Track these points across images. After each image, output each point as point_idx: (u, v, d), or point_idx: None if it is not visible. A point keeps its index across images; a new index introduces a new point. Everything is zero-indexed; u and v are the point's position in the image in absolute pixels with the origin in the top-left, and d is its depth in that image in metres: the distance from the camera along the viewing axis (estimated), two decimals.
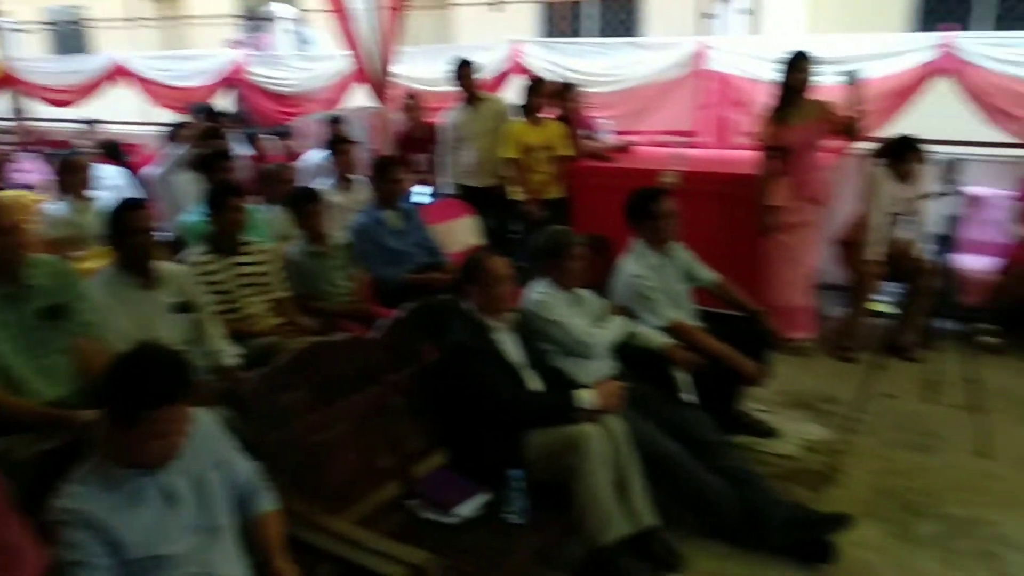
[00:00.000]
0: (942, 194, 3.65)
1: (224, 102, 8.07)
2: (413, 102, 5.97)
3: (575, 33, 9.14)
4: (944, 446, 3.47)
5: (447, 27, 10.22)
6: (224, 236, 3.32)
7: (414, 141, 5.87)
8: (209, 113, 6.34)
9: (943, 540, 2.82)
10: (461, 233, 4.71)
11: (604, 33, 9.15)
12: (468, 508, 2.42)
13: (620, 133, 5.74)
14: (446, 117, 5.58)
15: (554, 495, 2.48)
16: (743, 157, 4.72)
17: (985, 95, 4.95)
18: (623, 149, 5.46)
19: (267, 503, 1.96)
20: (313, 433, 2.34)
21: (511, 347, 2.75)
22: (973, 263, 4.55)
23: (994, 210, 4.76)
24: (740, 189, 4.54)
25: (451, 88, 5.50)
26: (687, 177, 4.53)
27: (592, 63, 6.22)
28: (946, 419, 3.64)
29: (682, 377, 3.06)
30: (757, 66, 5.43)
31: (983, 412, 3.47)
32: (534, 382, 2.74)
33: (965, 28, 6.35)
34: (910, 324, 4.43)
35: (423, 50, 7.16)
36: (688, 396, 3.03)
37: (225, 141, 5.40)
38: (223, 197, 3.34)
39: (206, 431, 1.89)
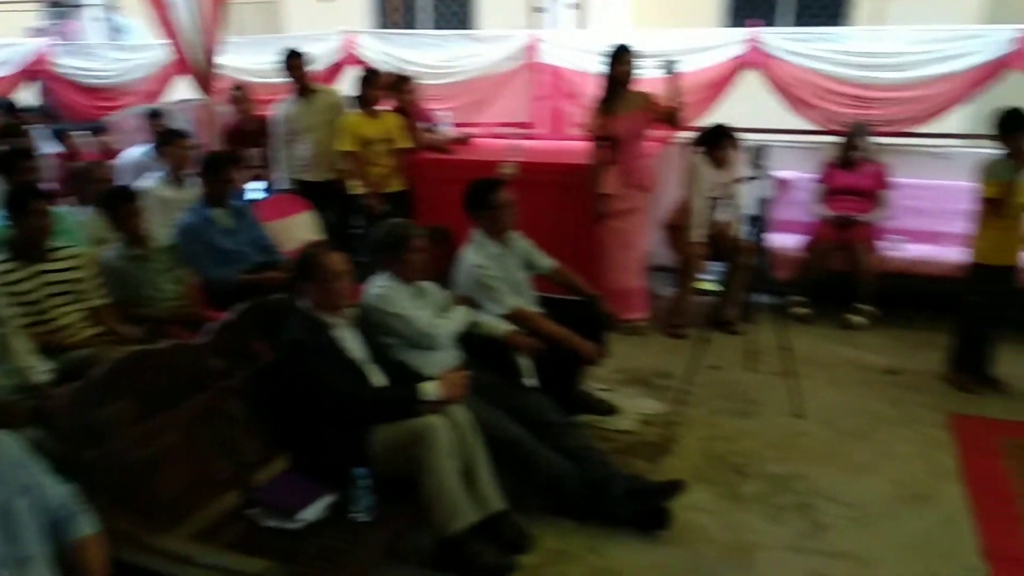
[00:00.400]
0: (753, 178, 3.94)
1: (27, 96, 7.37)
2: (241, 94, 5.71)
3: (409, 25, 9.08)
4: (764, 410, 3.77)
5: (275, 17, 9.84)
6: (28, 242, 3.03)
7: (244, 135, 5.62)
8: (8, 108, 5.76)
9: (766, 497, 3.07)
10: (298, 229, 4.56)
11: (438, 25, 9.15)
12: (312, 511, 2.36)
13: (459, 125, 5.78)
14: (277, 110, 5.38)
15: (401, 488, 2.47)
16: (577, 147, 4.88)
17: (788, 87, 5.41)
18: (463, 141, 5.49)
19: (85, 526, 1.82)
20: (138, 447, 2.19)
21: (352, 343, 2.70)
22: (783, 241, 4.97)
23: (800, 192, 5.21)
24: (574, 178, 4.70)
25: (281, 80, 5.31)
26: (525, 168, 4.63)
27: (427, 55, 6.22)
28: (765, 385, 3.95)
29: (524, 362, 3.13)
30: (586, 59, 5.63)
31: (795, 377, 3.80)
32: (377, 377, 2.71)
33: (770, 24, 6.87)
34: (732, 300, 4.77)
35: (250, 40, 6.86)
36: (530, 380, 3.10)
37: (27, 138, 4.93)
38: (24, 199, 3.04)
39: (9, 456, 1.73)
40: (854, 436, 3.52)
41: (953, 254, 4.22)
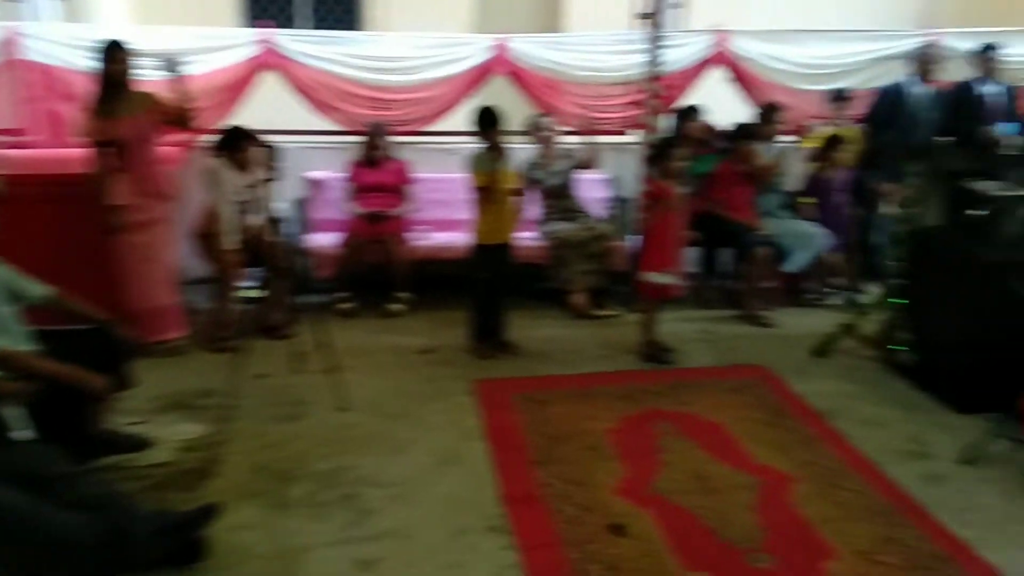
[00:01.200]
0: (269, 180, 3.91)
1: None
2: None
3: None
4: (312, 410, 3.77)
5: None
6: None
7: None
8: None
9: (311, 496, 3.06)
10: None
11: None
12: None
13: None
14: None
15: None
16: (80, 155, 4.32)
17: (308, 89, 5.47)
18: None
19: None
20: None
21: None
22: (322, 240, 5.05)
23: (333, 191, 5.35)
24: (77, 190, 4.16)
25: None
26: (13, 181, 3.93)
27: None
28: (313, 385, 3.95)
29: (12, 412, 2.64)
30: (83, 57, 5.00)
31: (339, 372, 3.88)
32: None
33: (290, 26, 6.90)
34: (276, 304, 4.69)
35: None
36: (23, 432, 2.63)
37: None
38: None
39: None
40: (396, 418, 3.71)
41: (465, 239, 4.70)
